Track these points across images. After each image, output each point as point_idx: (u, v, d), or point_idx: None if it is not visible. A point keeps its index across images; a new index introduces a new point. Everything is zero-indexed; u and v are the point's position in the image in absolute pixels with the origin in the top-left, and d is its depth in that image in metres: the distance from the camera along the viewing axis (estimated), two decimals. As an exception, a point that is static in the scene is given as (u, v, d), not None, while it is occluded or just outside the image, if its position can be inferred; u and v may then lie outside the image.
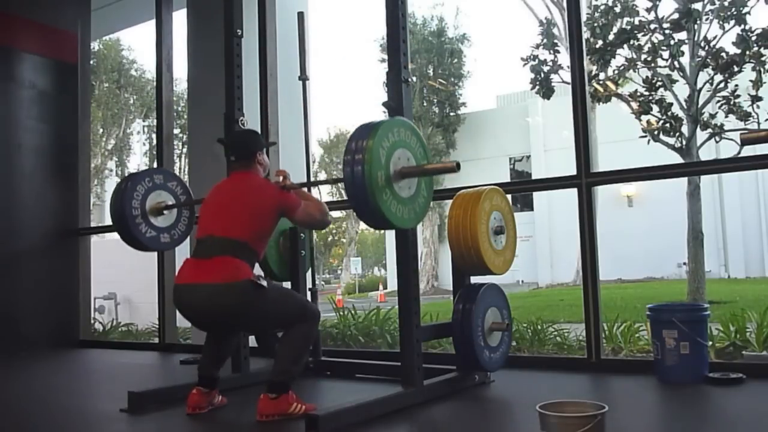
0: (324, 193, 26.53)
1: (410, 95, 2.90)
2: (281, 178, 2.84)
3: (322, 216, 2.82)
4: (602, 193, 14.37)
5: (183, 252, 5.18)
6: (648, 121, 9.01)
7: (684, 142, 8.82)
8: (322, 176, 26.86)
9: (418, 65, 19.55)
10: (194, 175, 5.52)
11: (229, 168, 2.87)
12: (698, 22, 8.73)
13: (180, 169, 18.50)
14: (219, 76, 3.66)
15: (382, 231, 27.42)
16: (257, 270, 2.73)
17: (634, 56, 9.23)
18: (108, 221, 3.85)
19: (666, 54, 8.89)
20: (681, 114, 8.88)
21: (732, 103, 8.54)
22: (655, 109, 8.88)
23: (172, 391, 3.05)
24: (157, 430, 2.73)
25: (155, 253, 5.25)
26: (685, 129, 8.85)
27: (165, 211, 3.46)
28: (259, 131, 4.59)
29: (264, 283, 2.54)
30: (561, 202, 16.52)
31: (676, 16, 8.76)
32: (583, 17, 3.88)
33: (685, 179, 8.75)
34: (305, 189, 3.13)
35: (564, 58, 10.10)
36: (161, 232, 3.45)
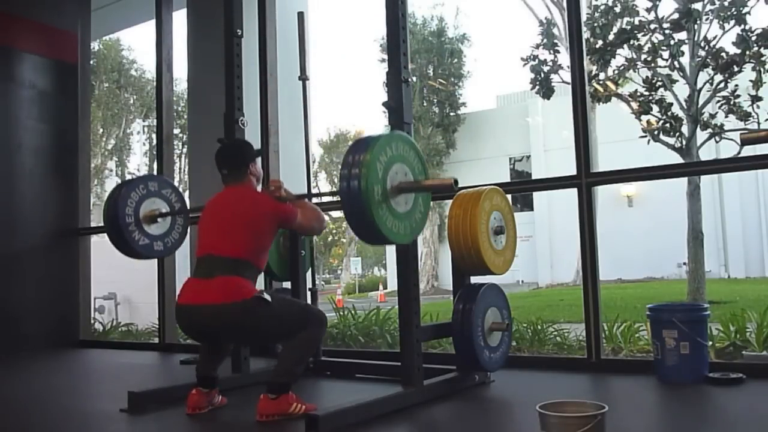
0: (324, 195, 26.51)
1: (410, 95, 2.90)
2: (275, 188, 2.85)
3: (319, 224, 2.87)
4: (602, 193, 14.36)
5: (183, 253, 5.20)
6: (648, 121, 9.01)
7: (684, 142, 8.82)
8: (323, 176, 26.88)
9: (418, 65, 19.55)
10: (194, 175, 5.53)
11: (223, 181, 2.86)
12: (698, 22, 8.73)
13: (180, 168, 18.51)
14: (219, 76, 3.66)
15: (382, 231, 27.36)
16: (260, 282, 2.73)
17: (634, 56, 9.23)
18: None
19: (666, 54, 8.88)
20: (681, 114, 8.88)
21: (732, 103, 8.53)
22: (655, 109, 8.87)
23: (172, 391, 3.05)
24: (157, 430, 2.73)
25: (155, 253, 5.25)
26: (685, 129, 8.85)
27: (159, 219, 3.45)
28: (259, 131, 4.60)
29: (268, 297, 2.54)
30: (561, 202, 16.52)
31: (676, 16, 8.76)
32: (583, 17, 3.88)
33: (685, 179, 8.75)
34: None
35: (564, 58, 10.11)
36: (155, 240, 3.45)
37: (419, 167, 2.59)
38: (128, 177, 23.01)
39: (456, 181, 2.50)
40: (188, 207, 3.66)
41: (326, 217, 2.92)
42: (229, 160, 2.85)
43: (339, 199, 2.40)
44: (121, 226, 3.29)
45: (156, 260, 5.24)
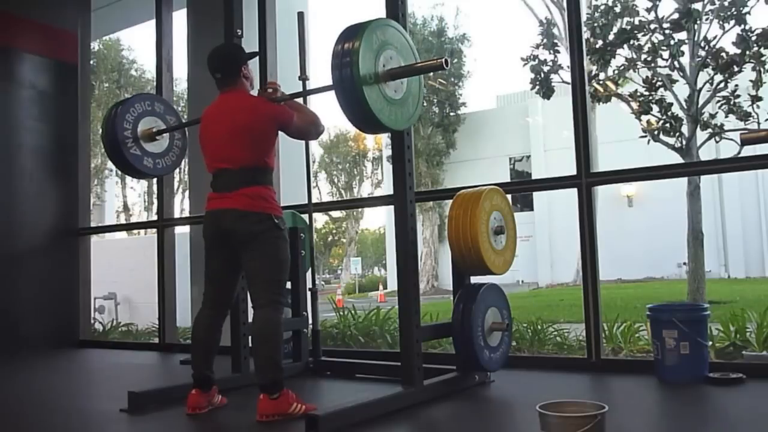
0: (324, 193, 26.52)
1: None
2: (272, 90, 2.87)
3: (316, 126, 2.90)
4: (602, 193, 14.37)
5: (183, 253, 5.20)
6: (648, 121, 9.00)
7: (684, 142, 8.81)
8: (323, 176, 26.87)
9: (418, 65, 19.51)
10: (194, 176, 5.52)
11: (217, 85, 2.86)
12: (698, 22, 8.72)
13: (180, 169, 18.49)
14: (219, 76, 3.65)
15: (383, 230, 27.40)
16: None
17: (634, 56, 9.22)
18: (108, 221, 3.85)
19: (666, 54, 8.87)
20: (681, 114, 8.87)
21: (732, 103, 8.52)
22: (655, 109, 8.86)
23: (172, 391, 3.05)
24: (157, 430, 2.72)
25: (155, 254, 5.26)
26: (685, 129, 8.84)
27: (157, 137, 3.45)
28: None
29: (283, 225, 2.71)
30: (561, 202, 16.52)
31: (676, 16, 8.74)
32: (583, 17, 3.88)
33: (685, 179, 8.74)
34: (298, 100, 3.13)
35: (564, 58, 10.09)
36: (154, 158, 3.45)
37: (410, 55, 2.58)
38: (128, 176, 23.04)
39: (447, 60, 2.49)
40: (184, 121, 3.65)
41: (323, 123, 2.96)
42: (221, 62, 2.85)
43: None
44: (119, 142, 3.29)
45: (155, 261, 5.25)
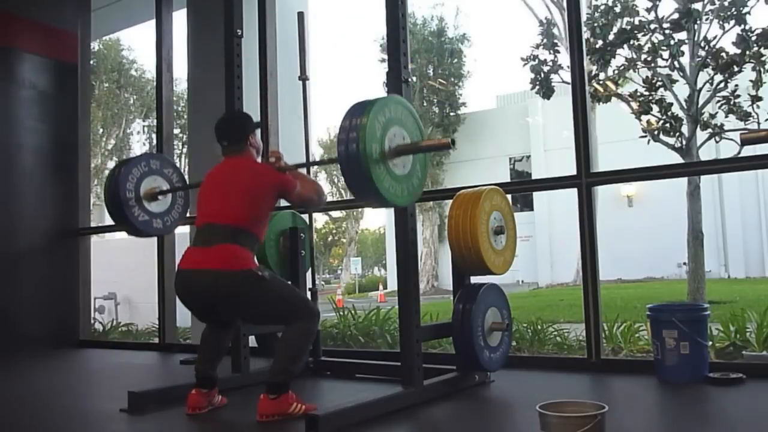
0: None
1: (410, 95, 2.90)
2: (275, 160, 2.85)
3: (318, 196, 2.86)
4: (602, 193, 14.36)
5: (183, 246, 5.20)
6: (648, 121, 9.01)
7: (684, 142, 8.81)
8: (322, 176, 26.86)
9: (418, 65, 19.55)
10: (194, 175, 5.52)
11: (222, 152, 2.85)
12: (698, 22, 8.72)
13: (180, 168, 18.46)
14: (219, 76, 3.66)
15: (383, 230, 27.42)
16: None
17: (634, 56, 9.22)
18: (108, 221, 3.85)
19: (666, 54, 8.87)
20: (681, 114, 8.87)
21: (732, 103, 8.52)
22: (655, 109, 8.86)
23: (172, 391, 3.05)
24: (157, 430, 2.72)
25: (155, 254, 5.26)
26: (685, 129, 8.84)
27: (160, 197, 3.45)
28: (259, 131, 4.59)
29: (266, 274, 2.57)
30: (561, 202, 16.52)
31: (676, 16, 8.75)
32: (583, 17, 3.88)
33: (685, 179, 8.75)
34: (301, 170, 3.13)
35: (564, 58, 10.10)
36: (154, 217, 3.45)
37: (416, 131, 2.58)
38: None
39: (453, 141, 2.49)
40: (188, 183, 3.65)
41: (325, 191, 2.91)
42: (229, 131, 2.85)
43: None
44: (122, 202, 3.29)
45: (156, 261, 5.25)
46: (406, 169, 2.52)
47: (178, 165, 3.66)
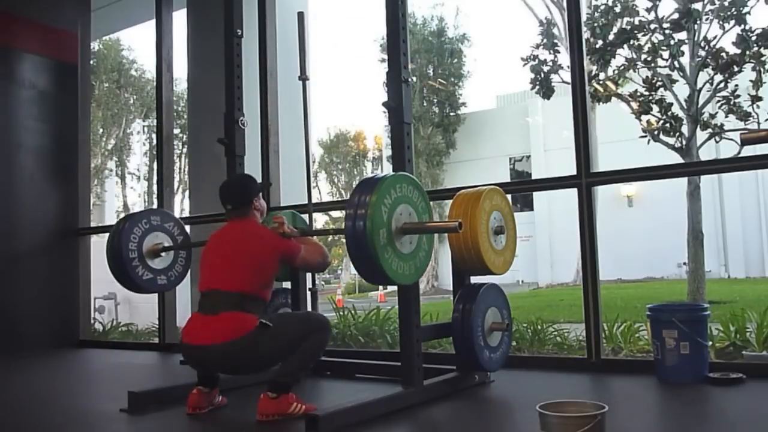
0: (324, 193, 26.52)
1: (410, 95, 2.91)
2: (278, 225, 2.85)
3: (323, 258, 2.88)
4: (602, 193, 14.36)
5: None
6: (648, 121, 9.00)
7: (684, 142, 8.81)
8: (323, 176, 26.84)
9: (418, 65, 19.55)
10: (194, 176, 5.53)
11: (226, 215, 2.86)
12: (698, 22, 8.72)
13: (180, 168, 18.49)
14: (219, 76, 3.66)
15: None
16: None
17: (634, 56, 9.22)
18: (108, 221, 3.86)
19: (666, 54, 8.87)
20: (681, 114, 8.87)
21: (732, 103, 8.52)
22: (655, 109, 8.86)
23: (172, 391, 3.05)
24: (157, 430, 2.72)
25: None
26: (685, 129, 8.84)
27: (162, 253, 3.47)
28: (259, 132, 4.60)
29: (268, 323, 2.55)
30: (561, 202, 16.52)
31: (676, 16, 8.75)
32: (583, 17, 3.88)
33: (685, 179, 8.75)
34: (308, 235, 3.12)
35: (564, 58, 10.10)
36: (158, 274, 3.47)
37: (423, 207, 2.60)
38: (128, 177, 22.99)
39: (461, 224, 2.50)
40: (191, 241, 3.68)
41: (329, 254, 2.93)
42: (233, 195, 2.85)
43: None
44: (125, 261, 3.30)
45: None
46: (413, 245, 2.53)
47: (178, 218, 3.68)
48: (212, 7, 4.37)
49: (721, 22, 8.68)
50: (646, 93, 8.93)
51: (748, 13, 8.43)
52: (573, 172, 3.54)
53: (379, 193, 2.36)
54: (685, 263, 10.11)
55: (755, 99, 8.33)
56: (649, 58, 9.08)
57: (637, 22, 9.08)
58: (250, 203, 2.83)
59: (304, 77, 3.76)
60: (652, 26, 8.96)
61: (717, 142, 8.96)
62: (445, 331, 3.12)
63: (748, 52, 8.21)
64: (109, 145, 21.34)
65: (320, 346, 2.67)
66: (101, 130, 20.60)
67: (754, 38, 8.19)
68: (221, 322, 2.54)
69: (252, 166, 3.86)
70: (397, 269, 2.43)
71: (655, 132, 8.89)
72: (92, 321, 6.41)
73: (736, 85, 8.54)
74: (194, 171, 5.40)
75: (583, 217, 3.47)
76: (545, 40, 10.29)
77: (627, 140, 11.85)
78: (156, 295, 5.24)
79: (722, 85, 8.59)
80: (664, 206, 14.72)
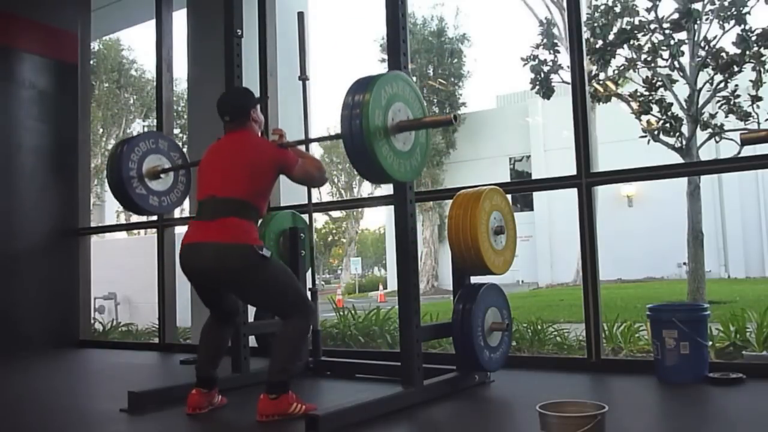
0: (324, 193, 26.52)
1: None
2: (278, 137, 2.88)
3: (320, 173, 2.87)
4: (602, 193, 14.36)
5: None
6: (648, 121, 9.00)
7: (684, 142, 8.81)
8: (322, 176, 26.83)
9: (418, 65, 19.54)
10: (194, 175, 5.52)
11: (225, 128, 2.86)
12: (698, 22, 8.72)
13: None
14: (219, 76, 3.66)
15: (382, 230, 27.40)
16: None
17: (634, 56, 9.22)
18: (108, 221, 3.86)
19: (666, 54, 8.87)
20: (681, 114, 8.87)
21: (732, 103, 8.52)
22: (655, 109, 8.86)
23: (172, 391, 3.05)
24: (157, 430, 2.72)
25: (154, 254, 5.26)
26: (685, 129, 8.84)
27: (162, 175, 3.46)
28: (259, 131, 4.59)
29: (267, 253, 2.58)
30: (561, 202, 16.52)
31: (676, 16, 8.75)
32: (583, 17, 3.88)
33: (685, 179, 8.74)
34: (302, 147, 3.14)
35: (564, 58, 10.09)
36: (153, 194, 3.46)
37: (418, 107, 2.59)
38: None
39: (455, 116, 2.50)
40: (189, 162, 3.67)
41: (325, 169, 2.93)
42: (231, 108, 2.84)
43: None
44: (124, 180, 3.30)
45: (156, 259, 5.25)
46: (407, 146, 2.53)
47: (179, 145, 3.68)
48: (212, 7, 4.36)
49: (721, 22, 8.68)
50: (646, 93, 8.93)
51: (748, 13, 8.43)
52: (573, 172, 3.54)
53: (372, 92, 2.35)
54: (685, 263, 10.11)
55: (755, 99, 8.33)
56: (649, 58, 9.08)
57: (637, 22, 9.08)
58: (247, 115, 2.83)
59: (304, 77, 3.76)
60: (652, 26, 8.96)
61: (717, 142, 8.96)
62: (445, 331, 3.12)
63: (748, 52, 8.21)
64: (109, 145, 21.32)
65: (304, 333, 2.69)
66: (101, 130, 20.59)
67: (754, 38, 8.18)
68: (217, 225, 2.59)
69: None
70: (394, 165, 2.43)
71: (655, 132, 8.89)
72: (92, 321, 6.42)
73: (736, 85, 8.54)
74: (194, 171, 5.38)
75: (583, 217, 3.47)
76: (545, 40, 10.29)
77: (627, 140, 11.85)
78: (156, 295, 5.24)
79: (722, 85, 8.59)
80: (664, 206, 14.72)
